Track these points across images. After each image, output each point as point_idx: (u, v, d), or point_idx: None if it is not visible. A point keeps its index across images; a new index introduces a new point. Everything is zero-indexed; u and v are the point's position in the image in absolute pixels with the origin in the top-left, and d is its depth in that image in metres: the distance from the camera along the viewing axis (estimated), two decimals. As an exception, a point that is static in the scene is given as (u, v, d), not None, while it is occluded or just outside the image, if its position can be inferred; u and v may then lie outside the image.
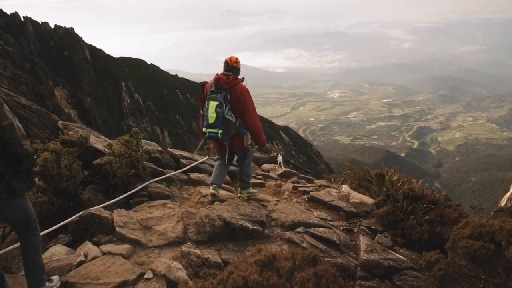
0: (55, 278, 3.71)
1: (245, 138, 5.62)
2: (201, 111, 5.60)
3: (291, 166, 18.69)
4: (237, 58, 5.64)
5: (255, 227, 4.83)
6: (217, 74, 5.44)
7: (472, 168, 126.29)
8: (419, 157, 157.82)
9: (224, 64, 5.57)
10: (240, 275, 2.57)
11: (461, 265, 4.05)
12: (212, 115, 5.24)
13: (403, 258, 4.78)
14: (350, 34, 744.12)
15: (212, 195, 5.81)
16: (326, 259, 4.35)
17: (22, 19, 61.10)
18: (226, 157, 5.79)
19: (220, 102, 5.24)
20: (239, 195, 6.10)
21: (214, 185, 5.82)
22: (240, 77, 5.60)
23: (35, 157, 3.15)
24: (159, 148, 7.92)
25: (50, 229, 4.57)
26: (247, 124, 5.52)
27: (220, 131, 5.27)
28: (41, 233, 4.49)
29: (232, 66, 5.54)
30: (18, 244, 4.25)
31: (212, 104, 5.25)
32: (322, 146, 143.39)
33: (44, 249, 4.53)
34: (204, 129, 5.44)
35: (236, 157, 6.11)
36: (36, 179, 3.26)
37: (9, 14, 59.86)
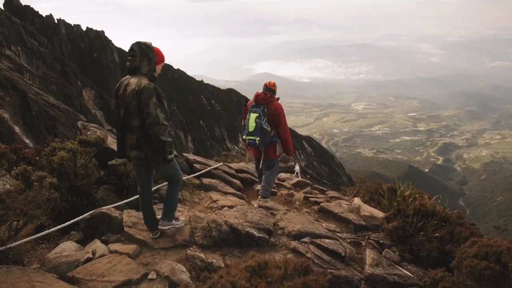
0: (181, 219, 4.88)
1: (278, 147, 6.62)
2: (242, 122, 6.73)
3: (308, 176, 18.63)
4: (274, 83, 6.81)
5: (261, 235, 4.86)
6: (257, 92, 6.53)
7: (499, 188, 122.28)
8: (443, 173, 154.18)
9: (264, 86, 6.73)
10: (229, 280, 2.59)
11: (466, 284, 3.99)
12: (252, 125, 6.33)
13: (410, 274, 4.73)
14: (377, 46, 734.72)
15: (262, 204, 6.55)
16: (329, 270, 4.35)
17: (56, 21, 63.08)
18: (261, 163, 6.80)
19: (259, 114, 6.33)
20: (257, 201, 6.67)
21: (263, 199, 6.71)
22: (276, 96, 6.70)
23: (168, 140, 4.21)
24: (174, 152, 8.03)
25: (62, 225, 4.71)
26: (279, 135, 6.56)
27: (258, 138, 6.31)
28: (54, 229, 4.67)
29: (270, 88, 6.68)
30: (31, 237, 4.43)
31: (253, 116, 6.35)
32: (344, 158, 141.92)
33: (55, 244, 4.67)
34: (244, 137, 6.50)
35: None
36: (171, 156, 4.35)
37: (44, 16, 61.93)
